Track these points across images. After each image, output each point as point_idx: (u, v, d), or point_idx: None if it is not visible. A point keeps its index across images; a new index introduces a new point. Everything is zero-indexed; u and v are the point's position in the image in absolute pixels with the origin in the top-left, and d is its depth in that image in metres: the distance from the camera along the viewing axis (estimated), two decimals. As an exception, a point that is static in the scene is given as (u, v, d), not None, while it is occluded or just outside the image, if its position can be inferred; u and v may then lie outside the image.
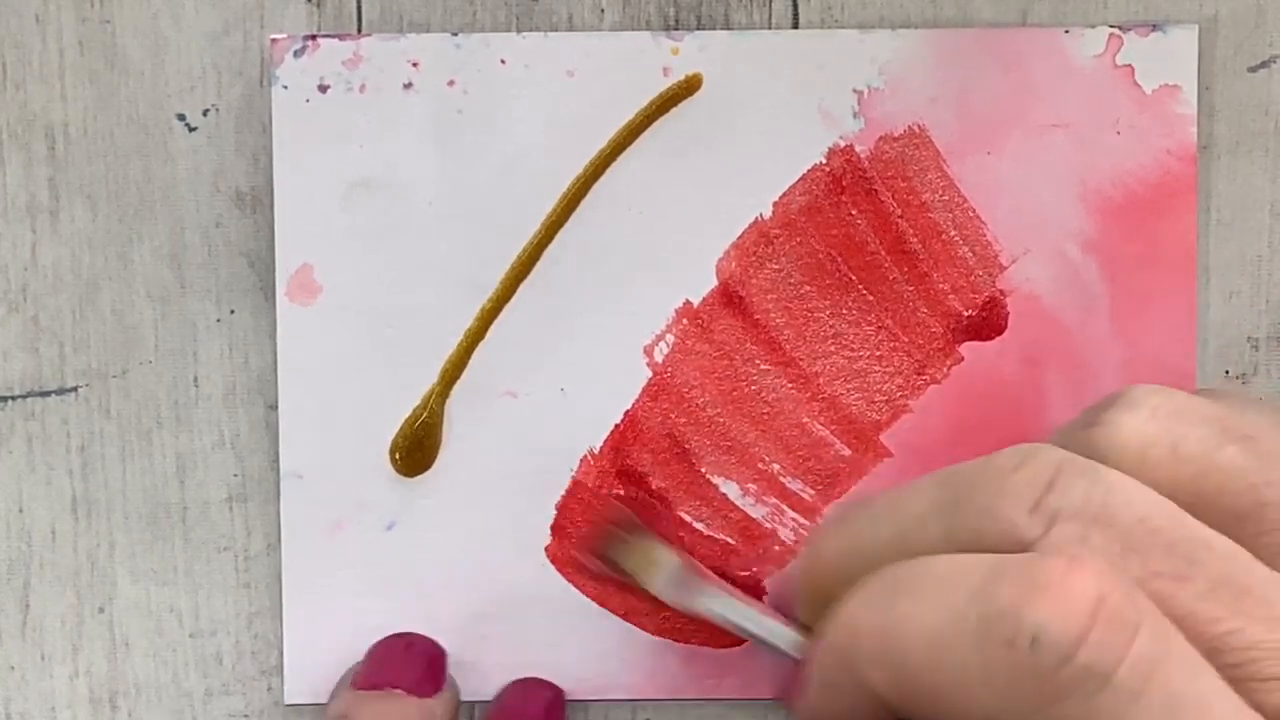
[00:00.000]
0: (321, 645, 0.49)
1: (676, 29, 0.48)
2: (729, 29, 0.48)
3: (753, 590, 0.48)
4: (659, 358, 0.48)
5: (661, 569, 0.46)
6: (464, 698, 0.48)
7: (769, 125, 0.48)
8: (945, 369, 0.48)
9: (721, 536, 0.48)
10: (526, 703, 0.48)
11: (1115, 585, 0.36)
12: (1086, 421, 0.40)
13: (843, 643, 0.39)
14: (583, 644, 0.49)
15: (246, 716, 0.49)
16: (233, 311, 0.49)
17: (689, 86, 0.48)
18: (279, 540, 0.49)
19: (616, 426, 0.48)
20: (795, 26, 0.48)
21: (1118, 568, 0.37)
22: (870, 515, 0.41)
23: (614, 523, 0.47)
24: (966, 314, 0.48)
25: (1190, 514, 0.38)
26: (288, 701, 0.49)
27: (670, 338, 0.48)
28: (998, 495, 0.38)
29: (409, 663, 0.47)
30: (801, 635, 0.44)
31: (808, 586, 0.43)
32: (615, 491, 0.48)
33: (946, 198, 0.48)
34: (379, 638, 0.48)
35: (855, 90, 0.48)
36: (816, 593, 0.42)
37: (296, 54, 0.48)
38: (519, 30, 0.48)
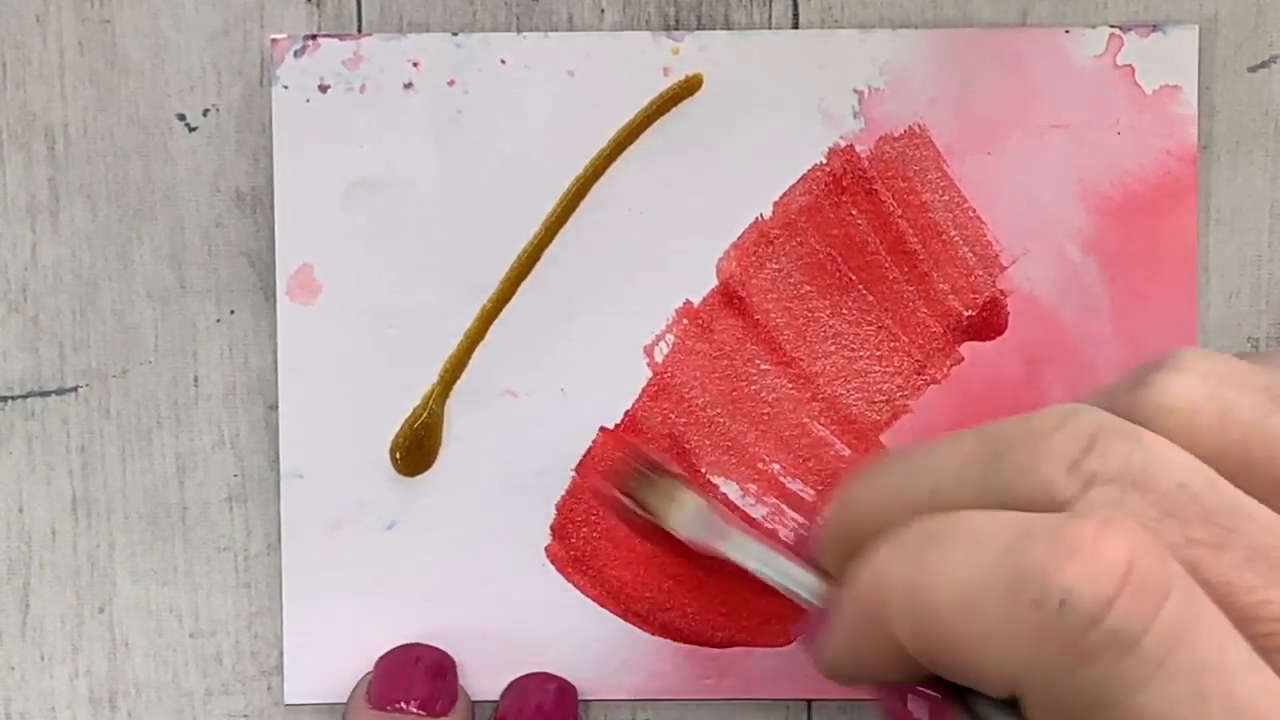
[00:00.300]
0: (321, 645, 0.49)
1: (677, 29, 0.48)
2: (729, 29, 0.48)
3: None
4: (659, 358, 0.48)
5: (684, 508, 0.46)
6: (464, 698, 0.48)
7: (769, 125, 0.48)
8: (945, 369, 0.48)
9: (721, 536, 0.49)
10: (537, 696, 0.48)
11: (1147, 550, 0.36)
12: (1133, 383, 0.39)
13: (869, 593, 0.39)
14: (583, 644, 0.49)
15: (246, 716, 0.49)
16: (233, 311, 0.49)
17: (689, 86, 0.48)
18: (279, 540, 0.49)
19: (616, 426, 0.48)
20: (795, 26, 0.48)
21: (1153, 533, 0.36)
22: (904, 466, 0.41)
23: (639, 461, 0.47)
24: (966, 314, 0.48)
25: (1234, 482, 0.38)
26: (288, 701, 0.49)
27: (670, 338, 0.48)
28: (1035, 453, 0.38)
29: (423, 678, 0.47)
30: (823, 582, 0.43)
31: (835, 534, 0.42)
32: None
33: (947, 198, 0.48)
34: (381, 640, 0.48)
35: (855, 90, 0.48)
36: (843, 541, 0.41)
37: (297, 54, 0.48)
38: (519, 30, 0.48)
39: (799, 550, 0.45)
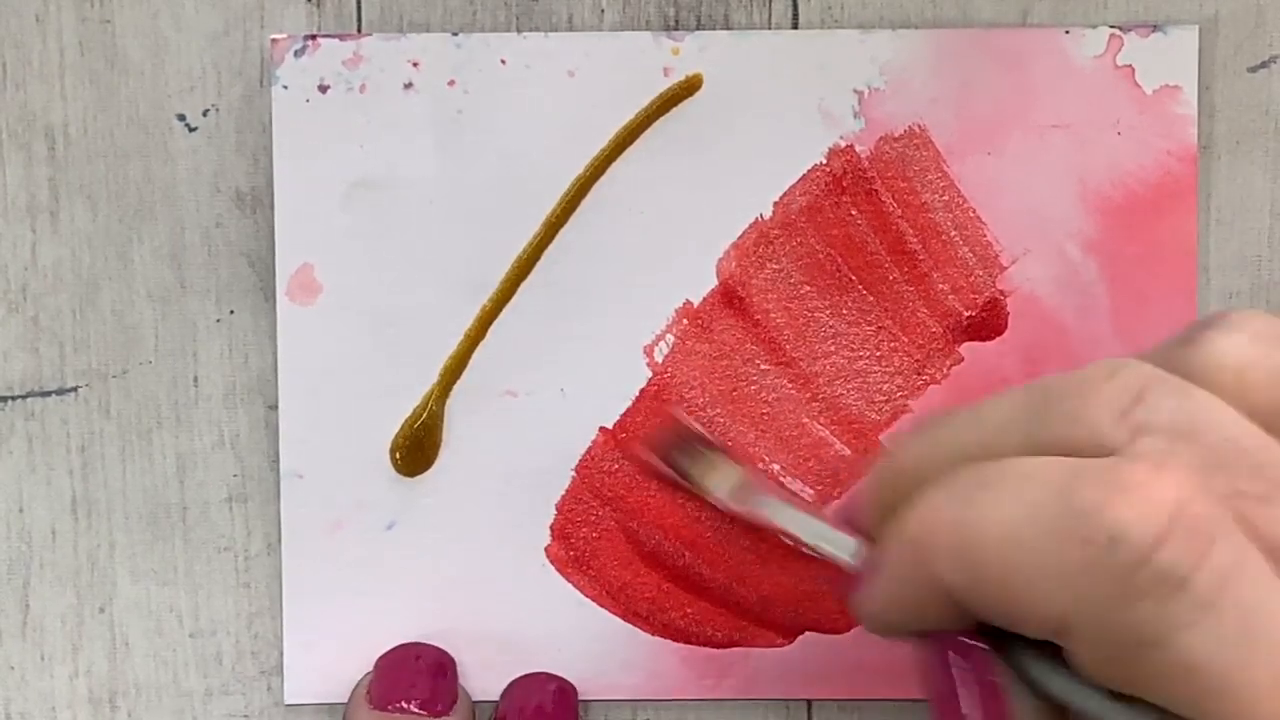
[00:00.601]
0: (321, 645, 0.49)
1: (676, 29, 0.48)
2: (729, 29, 0.48)
3: None
4: (659, 358, 0.48)
5: (725, 477, 0.46)
6: (464, 698, 0.48)
7: (769, 125, 0.48)
8: (945, 369, 0.48)
9: (722, 537, 0.48)
10: (537, 696, 0.48)
11: (1196, 494, 0.36)
12: (1184, 339, 0.40)
13: (917, 536, 0.39)
14: (583, 644, 0.49)
15: (246, 716, 0.49)
16: (233, 311, 0.49)
17: (689, 87, 0.48)
18: (279, 540, 0.49)
19: (616, 426, 0.48)
20: (795, 26, 0.48)
21: (1201, 482, 0.37)
22: (950, 424, 0.41)
23: (681, 431, 0.47)
24: (966, 314, 0.48)
25: None
26: (288, 701, 0.49)
27: (670, 338, 0.48)
28: (1085, 402, 0.38)
29: (423, 678, 0.47)
30: (864, 545, 0.43)
31: (879, 492, 0.42)
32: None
33: (947, 198, 0.48)
34: (381, 640, 0.48)
35: (855, 90, 0.48)
36: (888, 498, 0.41)
37: (297, 54, 0.48)
38: (519, 30, 0.48)
39: (843, 519, 0.45)
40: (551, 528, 0.49)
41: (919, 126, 0.48)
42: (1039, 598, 0.37)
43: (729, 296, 0.48)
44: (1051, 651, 0.38)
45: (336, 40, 0.48)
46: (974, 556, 0.38)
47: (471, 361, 0.48)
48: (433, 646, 0.48)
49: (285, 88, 0.48)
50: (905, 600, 0.40)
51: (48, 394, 0.49)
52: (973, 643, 0.40)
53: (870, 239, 0.48)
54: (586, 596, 0.49)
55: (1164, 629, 0.36)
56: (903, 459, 0.42)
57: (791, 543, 0.45)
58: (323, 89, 0.48)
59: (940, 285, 0.48)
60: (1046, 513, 0.37)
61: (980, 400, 0.41)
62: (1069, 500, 0.37)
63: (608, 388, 0.48)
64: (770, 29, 0.48)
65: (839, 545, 0.44)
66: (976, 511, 0.38)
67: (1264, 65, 0.48)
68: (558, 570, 0.49)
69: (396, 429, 0.48)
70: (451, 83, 0.48)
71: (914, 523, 0.39)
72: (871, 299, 0.48)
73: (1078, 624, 0.37)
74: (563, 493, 0.48)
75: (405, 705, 0.47)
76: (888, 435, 0.48)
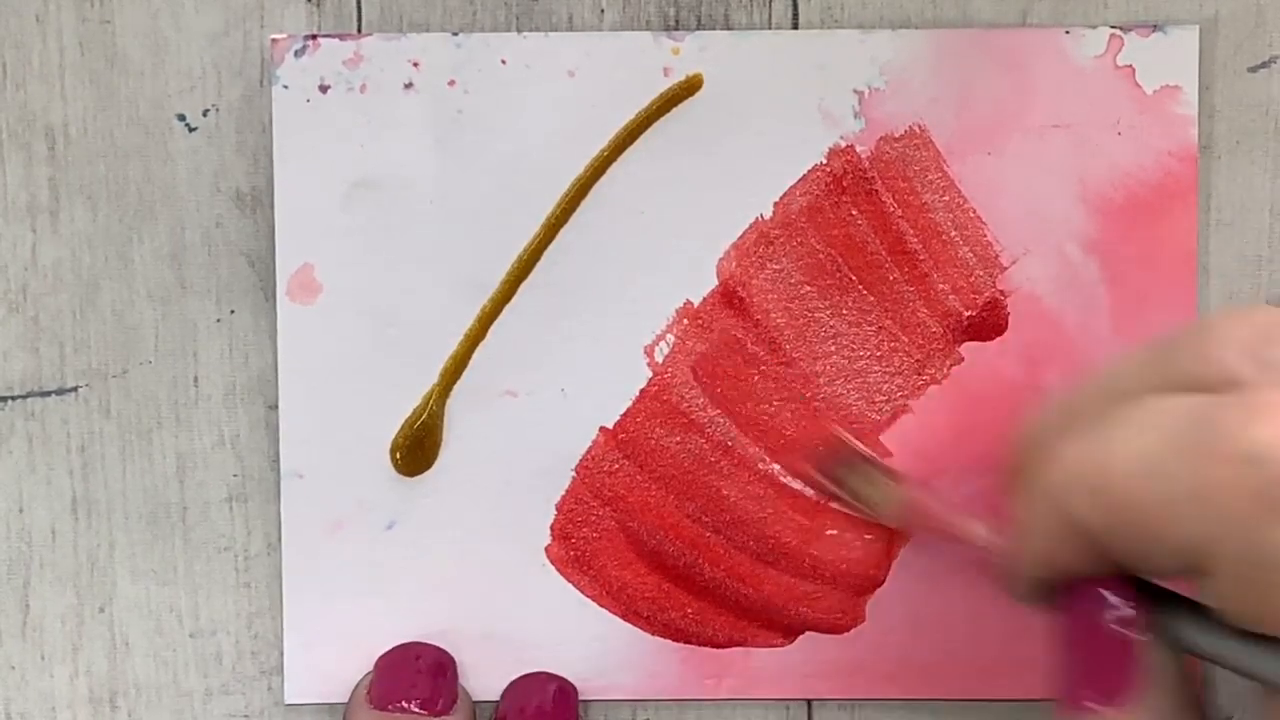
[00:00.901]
0: (321, 645, 0.49)
1: (677, 29, 0.48)
2: (729, 29, 0.48)
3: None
4: (659, 358, 0.48)
5: (890, 499, 0.47)
6: (464, 698, 0.48)
7: (769, 125, 0.48)
8: (945, 369, 0.48)
9: (723, 537, 0.48)
10: (537, 697, 0.48)
11: None
12: None
13: (1054, 482, 0.40)
14: (583, 644, 0.49)
15: (246, 716, 0.49)
16: (233, 311, 0.49)
17: (689, 87, 0.48)
18: (279, 540, 0.49)
19: (616, 426, 0.48)
20: (795, 27, 0.48)
21: None
22: (1079, 390, 0.41)
23: (844, 447, 0.47)
24: (967, 314, 0.48)
25: None
26: (288, 701, 0.49)
27: (670, 338, 0.48)
28: (1216, 342, 0.39)
29: (423, 678, 0.47)
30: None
31: (1019, 462, 0.42)
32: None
33: (947, 198, 0.48)
34: (381, 640, 0.48)
35: (856, 90, 0.48)
36: (1027, 467, 0.42)
37: (297, 54, 0.48)
38: (519, 30, 0.48)
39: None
40: (551, 528, 0.49)
41: (919, 126, 0.48)
42: (1178, 525, 0.37)
43: (729, 296, 0.48)
44: (1188, 608, 0.39)
45: (337, 40, 0.48)
46: (1112, 491, 0.38)
47: (471, 361, 0.48)
48: (433, 646, 0.48)
49: (285, 88, 0.48)
50: (1045, 550, 0.40)
51: (48, 394, 0.49)
52: (1109, 591, 0.40)
53: (870, 239, 0.48)
54: (586, 596, 0.49)
55: None
56: (1035, 425, 0.42)
57: (955, 543, 0.46)
58: (323, 89, 0.48)
59: (940, 285, 0.48)
60: (1185, 439, 0.37)
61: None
62: (1208, 424, 0.37)
63: (608, 388, 0.48)
64: (770, 29, 0.48)
65: (999, 538, 0.44)
66: (1110, 444, 0.38)
67: (1264, 65, 0.48)
68: (558, 570, 0.49)
69: (396, 429, 0.48)
70: (451, 83, 0.48)
71: (1048, 467, 0.40)
72: (872, 299, 0.48)
73: (1216, 549, 0.37)
74: (563, 493, 0.48)
75: (405, 705, 0.47)
76: (886, 434, 0.48)
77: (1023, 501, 0.41)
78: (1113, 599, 0.40)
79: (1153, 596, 0.40)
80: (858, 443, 0.48)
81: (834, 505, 0.48)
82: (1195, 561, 0.38)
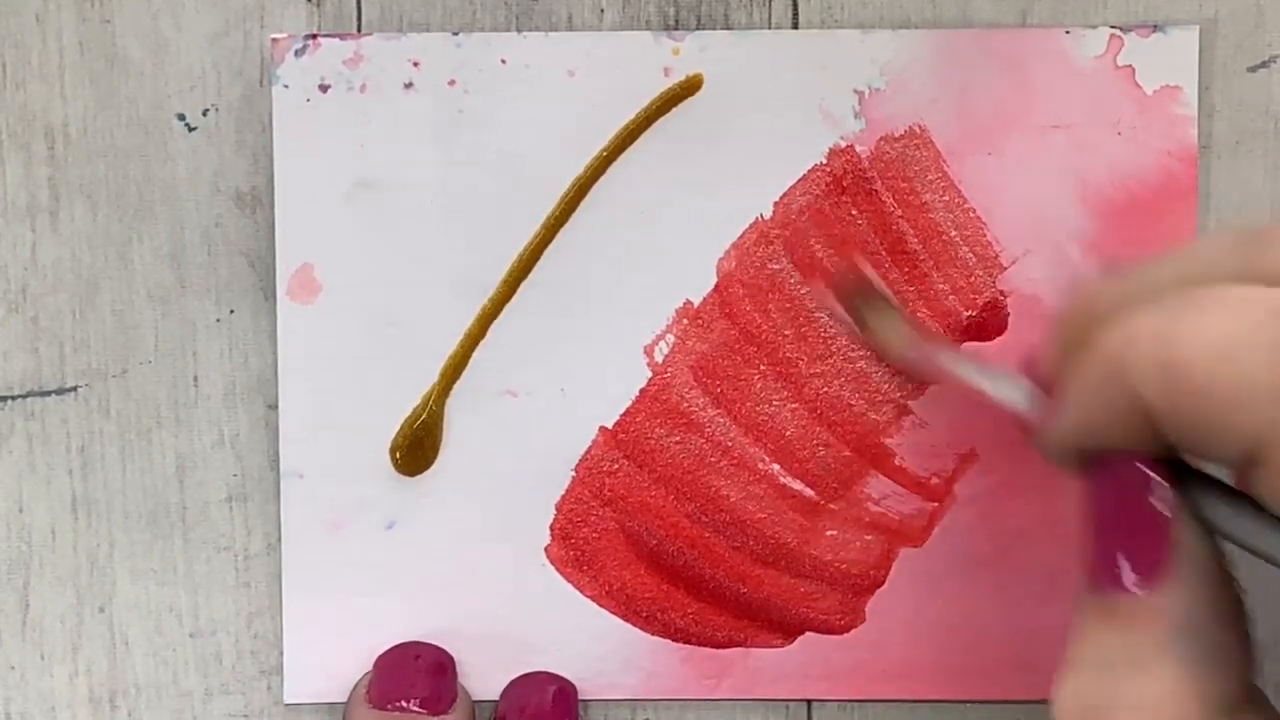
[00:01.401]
0: (321, 645, 0.49)
1: (677, 29, 0.48)
2: (729, 29, 0.48)
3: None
4: (659, 358, 0.48)
5: (900, 332, 0.46)
6: (464, 698, 0.48)
7: (770, 125, 0.48)
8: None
9: (723, 537, 0.48)
10: (537, 696, 0.48)
11: None
12: None
13: (1117, 350, 0.38)
14: (582, 644, 0.49)
15: (246, 716, 0.49)
16: (233, 311, 0.49)
17: (689, 86, 0.48)
18: (279, 540, 0.49)
19: (616, 426, 0.48)
20: (795, 26, 0.48)
21: None
22: (1148, 266, 0.41)
23: (863, 280, 0.47)
24: (966, 314, 0.48)
25: None
26: (288, 701, 0.49)
27: (670, 338, 0.48)
28: None
29: (423, 677, 0.47)
30: (1041, 394, 0.43)
31: (1067, 332, 0.42)
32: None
33: (947, 198, 0.48)
34: (381, 640, 0.48)
35: (856, 90, 0.48)
36: (1078, 337, 0.41)
37: (297, 53, 0.48)
38: (519, 30, 0.48)
39: (1019, 369, 0.45)
40: (551, 528, 0.49)
41: (919, 127, 0.48)
42: (1245, 414, 0.37)
43: (729, 296, 0.48)
44: (1227, 493, 0.38)
45: (337, 40, 0.48)
46: (1182, 370, 0.37)
47: (471, 361, 0.48)
48: (433, 646, 0.48)
49: (286, 87, 0.48)
50: (1095, 418, 0.39)
51: (48, 394, 0.49)
52: (1148, 469, 0.39)
53: (870, 239, 0.48)
54: (586, 596, 0.49)
55: None
56: (1095, 298, 0.41)
57: (966, 393, 0.45)
58: (323, 88, 0.48)
59: (940, 285, 0.48)
60: (1263, 330, 0.37)
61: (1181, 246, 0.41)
62: None
63: (608, 388, 0.48)
64: (770, 29, 0.48)
65: (1014, 390, 0.44)
66: (1185, 326, 0.38)
67: (1264, 65, 0.48)
68: (558, 570, 0.49)
69: (396, 429, 0.48)
70: (452, 82, 0.48)
71: (1114, 336, 0.38)
72: (872, 299, 0.48)
73: (1275, 444, 0.36)
74: (563, 493, 0.48)
75: (405, 705, 0.47)
76: (886, 435, 0.48)
77: (1077, 366, 0.40)
78: (1155, 476, 0.39)
79: (1194, 479, 0.39)
80: (880, 280, 0.47)
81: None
82: (1254, 451, 0.37)
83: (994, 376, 0.44)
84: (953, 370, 0.45)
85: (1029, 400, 0.43)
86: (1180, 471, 0.39)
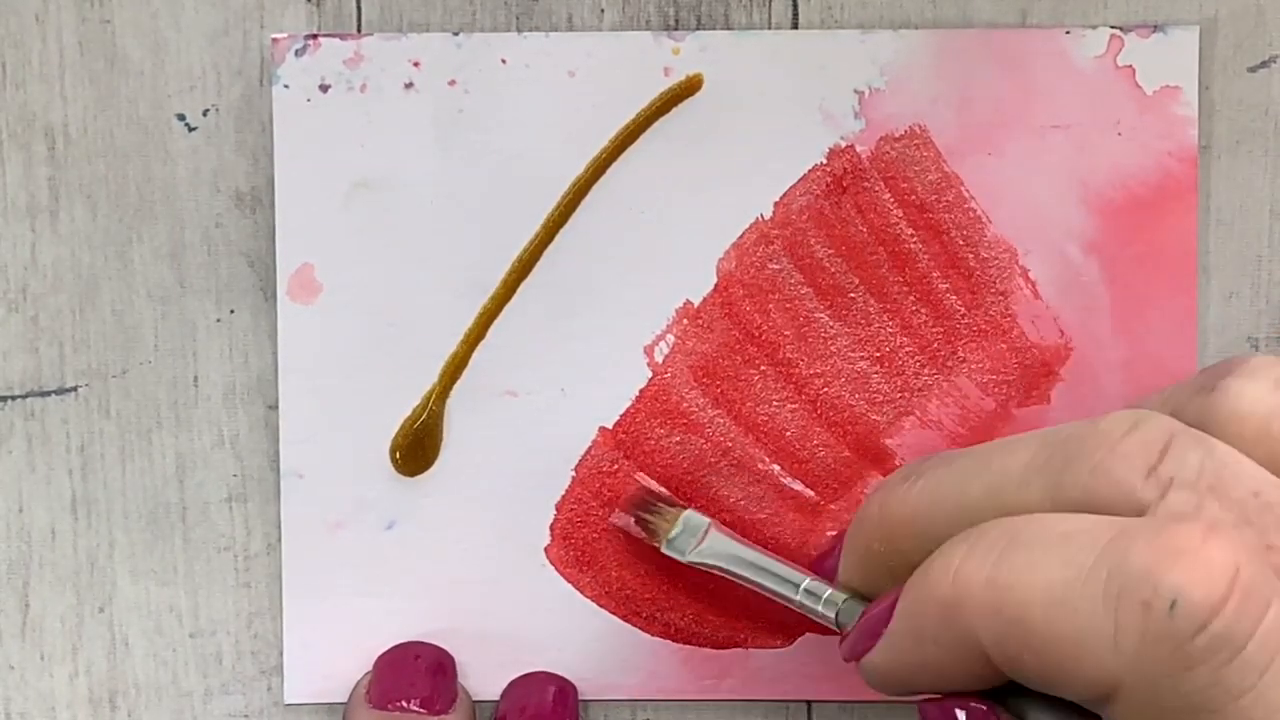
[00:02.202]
0: (321, 645, 0.49)
1: (677, 29, 0.48)
2: (729, 29, 0.48)
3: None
4: (659, 358, 0.48)
5: (682, 532, 0.46)
6: (464, 698, 0.48)
7: (770, 125, 0.48)
8: (946, 370, 0.48)
9: (722, 537, 0.49)
10: (537, 696, 0.48)
11: (1250, 557, 0.36)
12: (1201, 386, 0.39)
13: (946, 593, 0.38)
14: (583, 644, 0.49)
15: (246, 716, 0.49)
16: (233, 311, 0.49)
17: (690, 86, 0.48)
18: (279, 540, 0.49)
19: (616, 426, 0.48)
20: (795, 26, 0.48)
21: (1251, 544, 0.36)
22: (954, 471, 0.40)
23: (643, 491, 0.47)
24: (966, 315, 0.48)
25: None
26: (288, 701, 0.49)
27: (670, 338, 0.48)
28: (1110, 457, 0.38)
29: (423, 677, 0.47)
30: (838, 591, 0.43)
31: (866, 540, 0.42)
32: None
33: (947, 198, 0.48)
34: (381, 640, 0.48)
35: (856, 90, 0.48)
36: (880, 551, 0.41)
37: (298, 53, 0.48)
38: (519, 30, 0.48)
39: (815, 564, 0.45)
40: (551, 528, 0.49)
41: (919, 127, 0.48)
42: (1085, 662, 0.36)
43: (729, 296, 0.48)
44: (1061, 707, 0.38)
45: (337, 40, 0.48)
46: (1013, 617, 0.37)
47: (471, 361, 0.48)
48: (432, 646, 0.48)
49: (286, 87, 0.48)
50: (922, 655, 0.39)
51: (48, 394, 0.49)
52: (982, 705, 0.39)
53: (870, 239, 0.48)
54: (586, 596, 0.49)
55: (1219, 698, 0.35)
56: (898, 507, 0.41)
57: (757, 590, 0.45)
58: (323, 88, 0.48)
59: (940, 285, 0.48)
60: (1095, 576, 0.36)
61: (984, 446, 0.40)
62: (1121, 562, 0.36)
63: (608, 388, 0.48)
64: (770, 29, 0.48)
65: (816, 593, 0.44)
66: (1015, 570, 0.37)
67: (1264, 65, 0.48)
68: (558, 570, 0.49)
69: (396, 429, 0.48)
70: (452, 83, 0.48)
71: (941, 579, 0.38)
72: (872, 299, 0.48)
73: (1129, 689, 0.36)
74: (563, 493, 0.48)
75: (405, 705, 0.47)
76: (886, 435, 0.48)
77: (908, 605, 0.40)
78: (983, 710, 0.39)
79: (1024, 704, 0.39)
80: (658, 487, 0.48)
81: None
82: (1102, 694, 0.37)
83: (791, 574, 0.44)
84: (748, 574, 0.45)
85: (834, 606, 0.43)
86: (1013, 692, 0.39)
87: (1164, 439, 0.38)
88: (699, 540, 0.46)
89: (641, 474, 0.48)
